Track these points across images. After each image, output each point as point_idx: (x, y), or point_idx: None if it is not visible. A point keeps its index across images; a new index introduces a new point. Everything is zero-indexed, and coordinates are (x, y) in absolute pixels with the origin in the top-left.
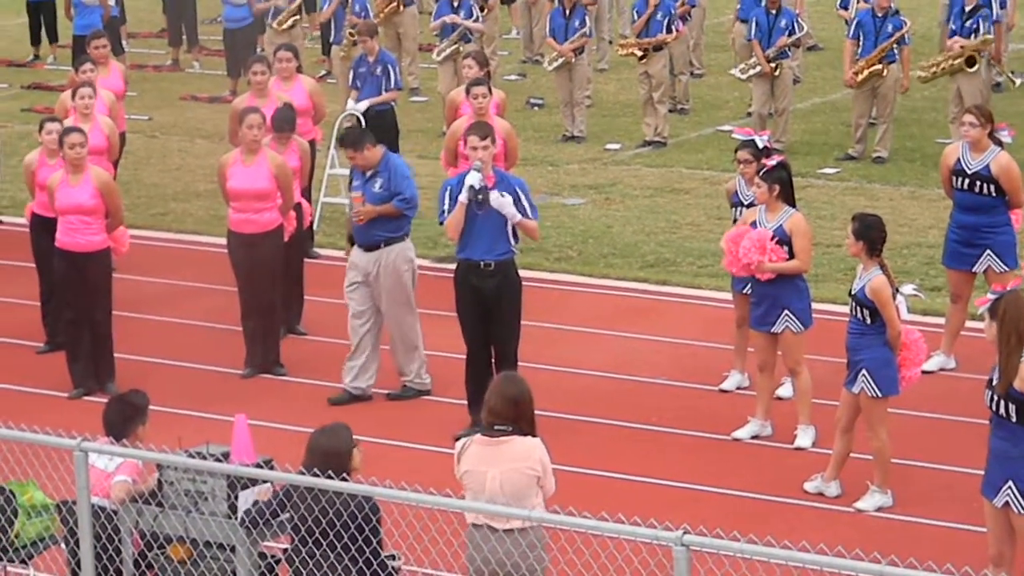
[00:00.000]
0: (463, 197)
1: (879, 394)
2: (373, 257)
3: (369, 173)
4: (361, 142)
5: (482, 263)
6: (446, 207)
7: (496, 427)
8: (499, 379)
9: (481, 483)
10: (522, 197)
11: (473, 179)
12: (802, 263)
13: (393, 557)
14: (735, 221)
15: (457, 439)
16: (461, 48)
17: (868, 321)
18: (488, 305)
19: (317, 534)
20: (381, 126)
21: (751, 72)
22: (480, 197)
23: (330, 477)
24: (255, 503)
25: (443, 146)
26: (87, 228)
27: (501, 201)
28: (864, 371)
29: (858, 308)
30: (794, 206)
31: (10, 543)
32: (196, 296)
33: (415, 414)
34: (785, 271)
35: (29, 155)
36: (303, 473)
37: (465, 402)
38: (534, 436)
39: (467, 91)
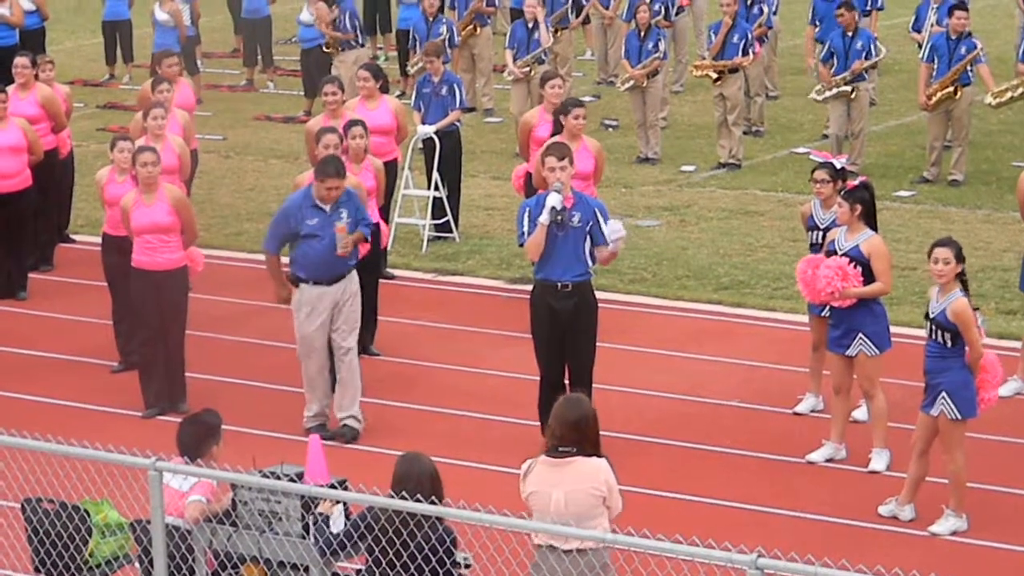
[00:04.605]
0: (544, 219)
1: (959, 416)
2: (340, 287)
3: (331, 206)
4: (344, 170)
5: (560, 284)
6: (525, 228)
7: (560, 448)
8: (561, 403)
9: (546, 503)
10: (601, 221)
11: (554, 200)
12: (884, 285)
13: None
14: (812, 245)
15: None
16: (534, 70)
17: (949, 344)
18: (565, 326)
19: (391, 555)
20: (448, 147)
21: (827, 94)
22: (560, 218)
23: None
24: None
25: (535, 167)
26: (165, 246)
27: (615, 227)
28: (944, 393)
29: (939, 331)
30: (875, 229)
31: (84, 562)
32: (270, 316)
33: (488, 434)
34: (868, 295)
35: (100, 171)
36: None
37: (538, 423)
38: (599, 456)
39: (565, 111)
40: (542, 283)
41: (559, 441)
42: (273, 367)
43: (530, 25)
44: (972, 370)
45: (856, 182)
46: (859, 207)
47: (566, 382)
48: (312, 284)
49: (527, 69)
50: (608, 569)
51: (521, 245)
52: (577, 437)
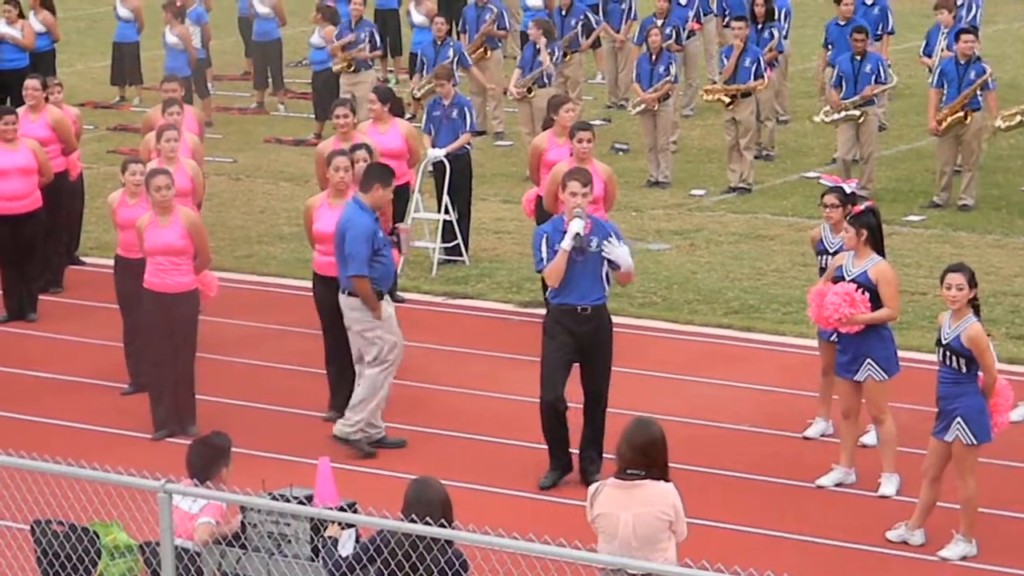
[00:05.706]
0: (567, 244)
1: (975, 442)
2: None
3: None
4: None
5: (579, 308)
6: (544, 255)
7: (629, 471)
8: (630, 425)
9: (615, 526)
10: (615, 242)
11: (578, 225)
12: (892, 311)
13: None
14: (820, 269)
15: (541, 486)
16: (534, 90)
17: (964, 370)
18: (582, 350)
19: None
20: (458, 170)
21: (835, 116)
22: (581, 243)
23: (413, 522)
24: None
25: (546, 190)
26: (176, 269)
27: (619, 252)
28: (960, 419)
29: (953, 357)
30: (882, 254)
31: None
32: (280, 339)
33: (498, 458)
34: (875, 321)
35: (112, 194)
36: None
37: (545, 446)
38: (667, 480)
39: (571, 135)
40: (560, 308)
41: (628, 464)
42: (283, 390)
43: (537, 47)
44: (986, 395)
45: (862, 207)
46: (865, 232)
47: (572, 405)
48: (387, 293)
49: (525, 89)
50: None
51: (539, 271)
52: (645, 461)
